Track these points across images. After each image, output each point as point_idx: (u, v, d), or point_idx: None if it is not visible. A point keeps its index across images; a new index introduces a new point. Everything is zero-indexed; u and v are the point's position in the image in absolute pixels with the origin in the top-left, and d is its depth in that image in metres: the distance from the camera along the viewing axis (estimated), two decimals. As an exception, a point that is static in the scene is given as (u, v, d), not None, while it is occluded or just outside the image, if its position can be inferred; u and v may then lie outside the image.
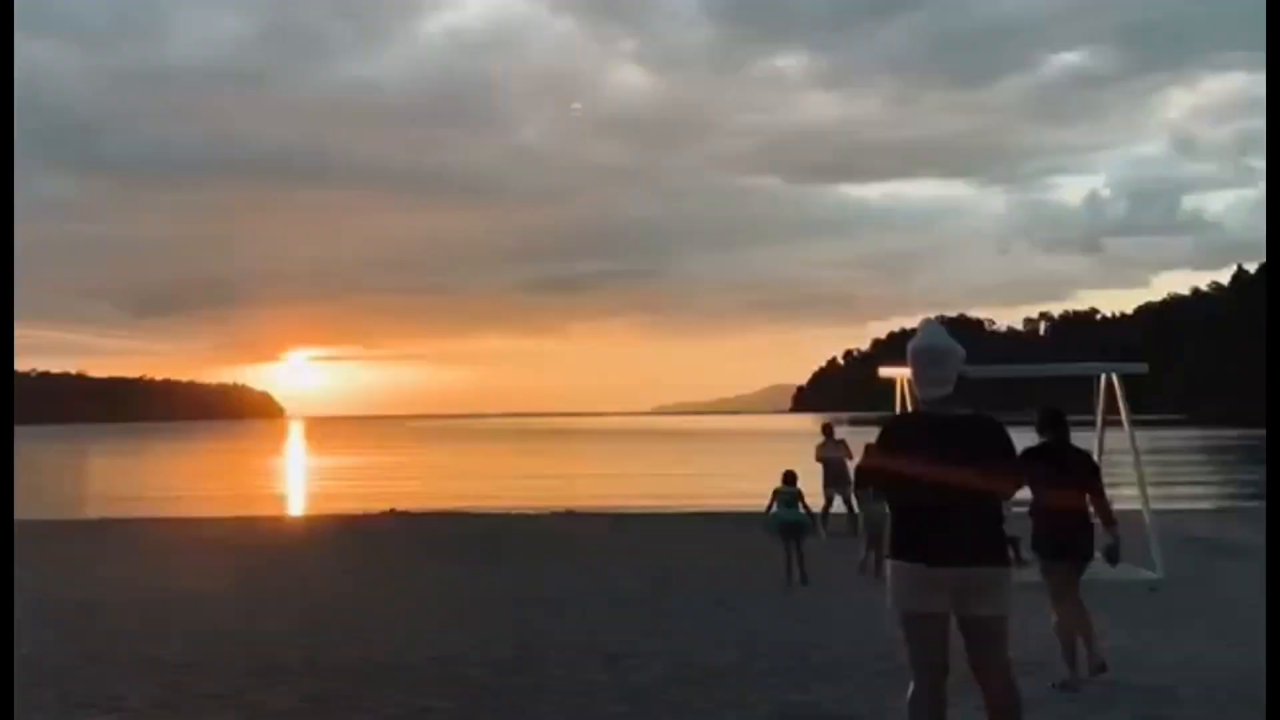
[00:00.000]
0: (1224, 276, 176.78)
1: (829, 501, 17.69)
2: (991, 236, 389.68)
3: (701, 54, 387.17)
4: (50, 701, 7.35)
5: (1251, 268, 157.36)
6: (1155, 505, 14.09)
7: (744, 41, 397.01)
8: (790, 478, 12.98)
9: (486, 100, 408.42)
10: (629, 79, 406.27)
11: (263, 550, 15.83)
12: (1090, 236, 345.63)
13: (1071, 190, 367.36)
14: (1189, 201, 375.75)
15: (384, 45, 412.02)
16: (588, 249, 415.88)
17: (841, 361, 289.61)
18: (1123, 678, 7.77)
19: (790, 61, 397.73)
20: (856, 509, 15.58)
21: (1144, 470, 13.77)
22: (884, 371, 15.58)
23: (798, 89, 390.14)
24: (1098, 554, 7.92)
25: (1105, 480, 14.60)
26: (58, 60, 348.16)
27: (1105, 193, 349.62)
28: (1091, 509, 7.98)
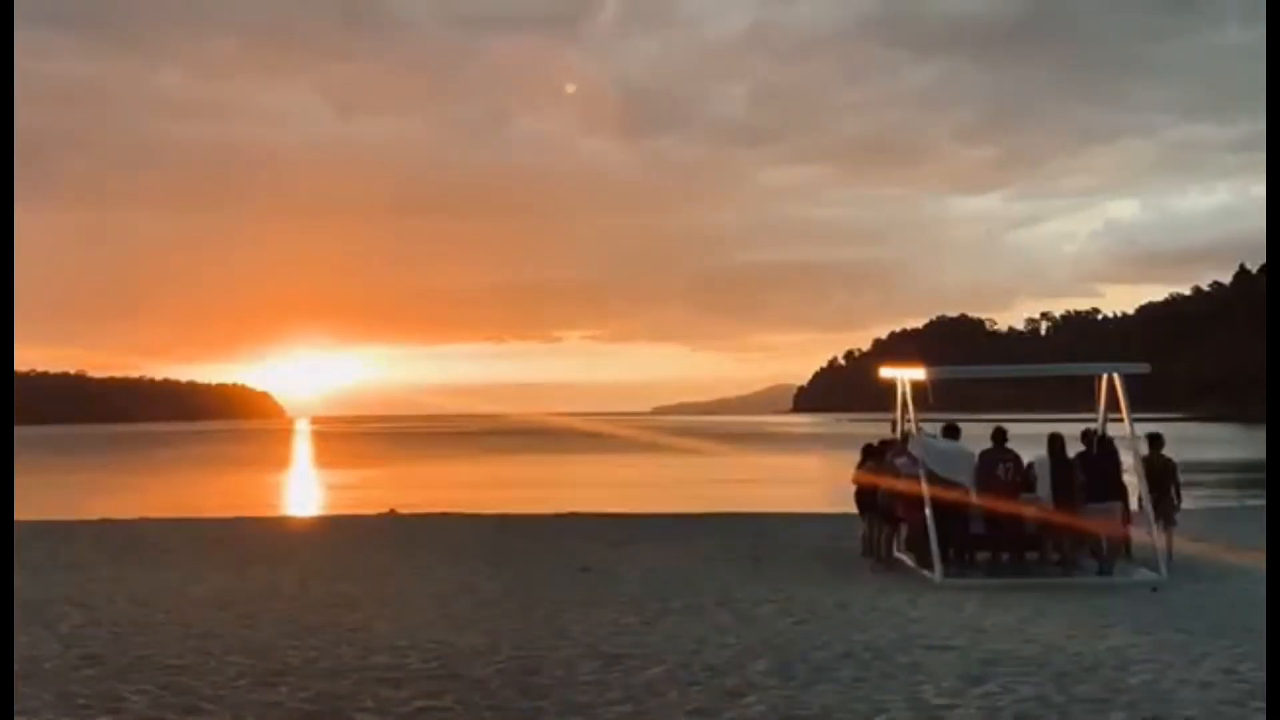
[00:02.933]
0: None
1: None
2: (991, 239, 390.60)
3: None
4: (50, 701, 7.35)
5: (1253, 267, 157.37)
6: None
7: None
8: None
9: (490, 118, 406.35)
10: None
11: (262, 551, 15.83)
12: (1087, 239, 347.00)
13: (1066, 193, 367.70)
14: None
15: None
16: (587, 252, 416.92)
17: (842, 362, 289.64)
18: (1123, 678, 7.77)
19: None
20: None
21: (1143, 469, 13.72)
22: (885, 372, 15.57)
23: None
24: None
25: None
26: (119, 85, 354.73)
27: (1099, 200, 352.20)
28: None
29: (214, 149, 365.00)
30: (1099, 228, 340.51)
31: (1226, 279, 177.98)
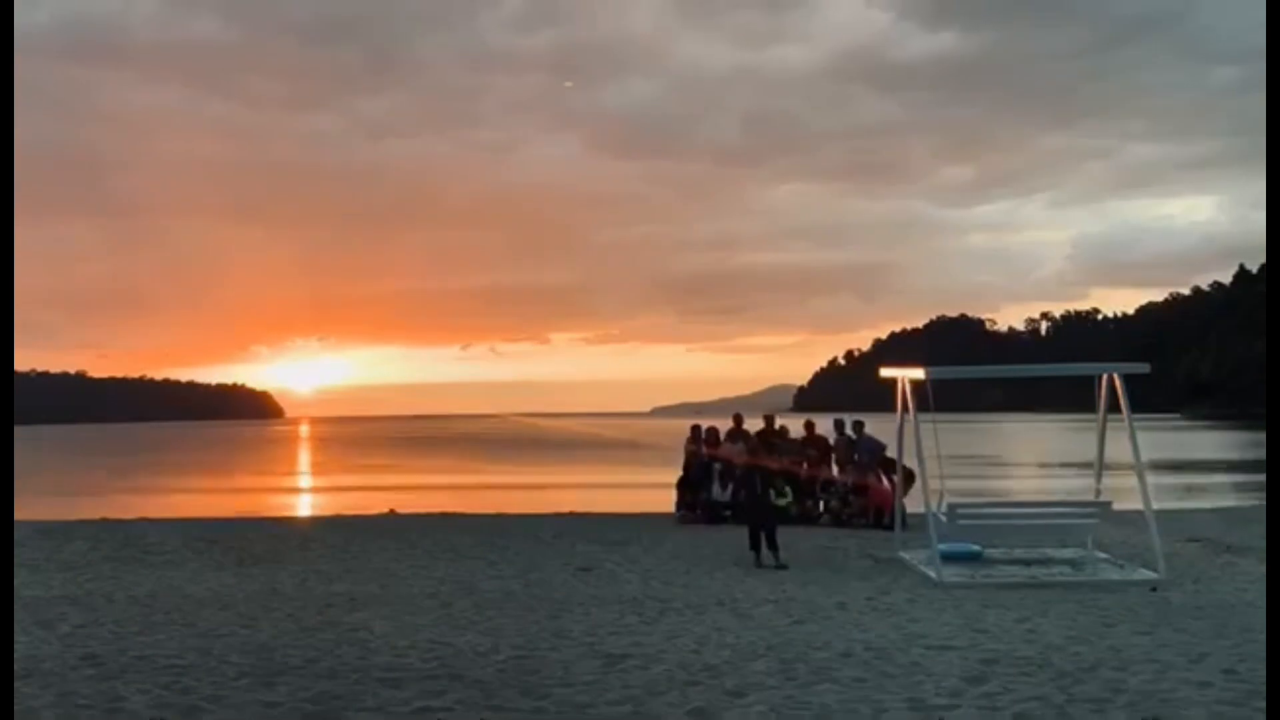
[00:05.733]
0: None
1: None
2: (991, 239, 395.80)
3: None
4: (50, 701, 7.35)
5: (1253, 267, 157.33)
6: (1156, 505, 14.08)
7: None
8: None
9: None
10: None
11: (261, 550, 15.82)
12: (1071, 247, 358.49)
13: (1058, 198, 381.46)
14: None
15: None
16: (584, 257, 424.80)
17: (843, 362, 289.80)
18: (1123, 678, 7.77)
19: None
20: None
21: (1145, 470, 13.72)
22: (885, 372, 15.57)
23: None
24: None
25: (1107, 479, 14.82)
26: (170, 112, 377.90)
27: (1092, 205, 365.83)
28: None
29: (248, 167, 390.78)
30: (1082, 237, 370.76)
31: (1215, 279, 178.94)
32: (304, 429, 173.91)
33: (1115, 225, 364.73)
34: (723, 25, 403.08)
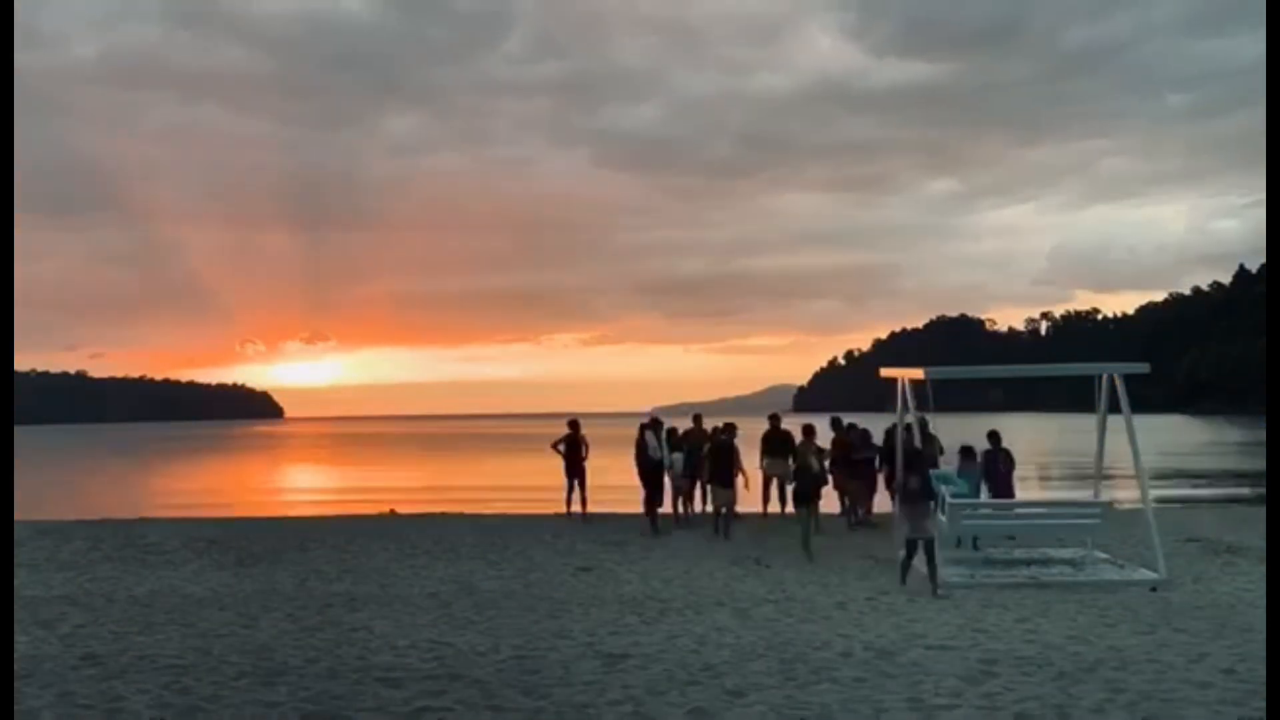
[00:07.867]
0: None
1: None
2: (991, 239, 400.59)
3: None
4: (50, 701, 7.35)
5: (1253, 267, 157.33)
6: (1156, 504, 14.06)
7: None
8: None
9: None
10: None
11: (261, 550, 15.82)
12: (1059, 252, 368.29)
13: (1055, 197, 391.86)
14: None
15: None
16: (584, 259, 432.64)
17: (843, 362, 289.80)
18: (1123, 678, 7.77)
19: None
20: None
21: (1145, 469, 13.73)
22: (885, 372, 15.57)
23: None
24: None
25: (1108, 478, 14.85)
26: (208, 129, 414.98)
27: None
28: None
29: (255, 175, 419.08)
30: (1060, 245, 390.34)
31: (1215, 279, 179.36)
32: (303, 429, 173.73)
33: (1092, 233, 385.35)
34: (710, 57, 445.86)
